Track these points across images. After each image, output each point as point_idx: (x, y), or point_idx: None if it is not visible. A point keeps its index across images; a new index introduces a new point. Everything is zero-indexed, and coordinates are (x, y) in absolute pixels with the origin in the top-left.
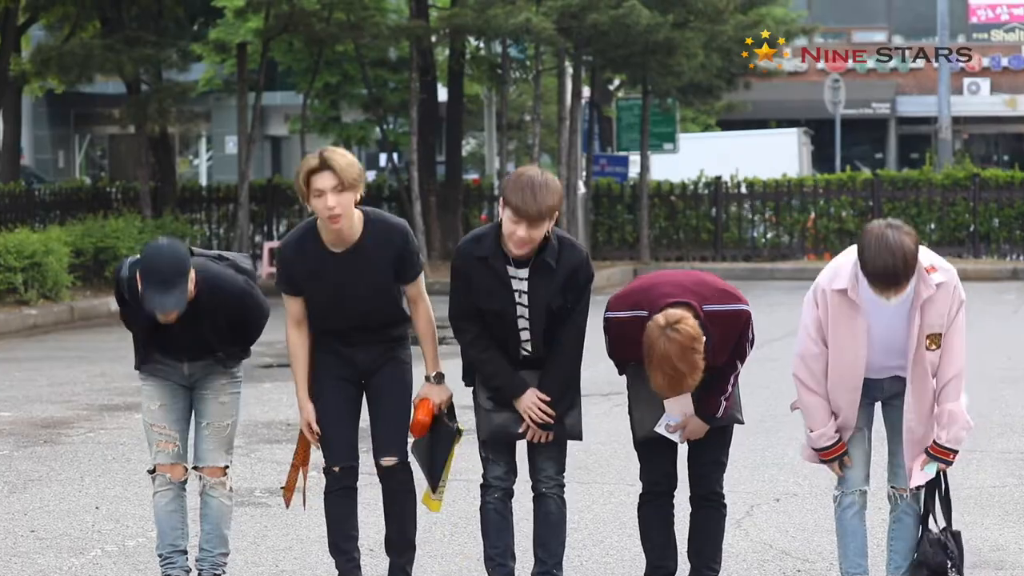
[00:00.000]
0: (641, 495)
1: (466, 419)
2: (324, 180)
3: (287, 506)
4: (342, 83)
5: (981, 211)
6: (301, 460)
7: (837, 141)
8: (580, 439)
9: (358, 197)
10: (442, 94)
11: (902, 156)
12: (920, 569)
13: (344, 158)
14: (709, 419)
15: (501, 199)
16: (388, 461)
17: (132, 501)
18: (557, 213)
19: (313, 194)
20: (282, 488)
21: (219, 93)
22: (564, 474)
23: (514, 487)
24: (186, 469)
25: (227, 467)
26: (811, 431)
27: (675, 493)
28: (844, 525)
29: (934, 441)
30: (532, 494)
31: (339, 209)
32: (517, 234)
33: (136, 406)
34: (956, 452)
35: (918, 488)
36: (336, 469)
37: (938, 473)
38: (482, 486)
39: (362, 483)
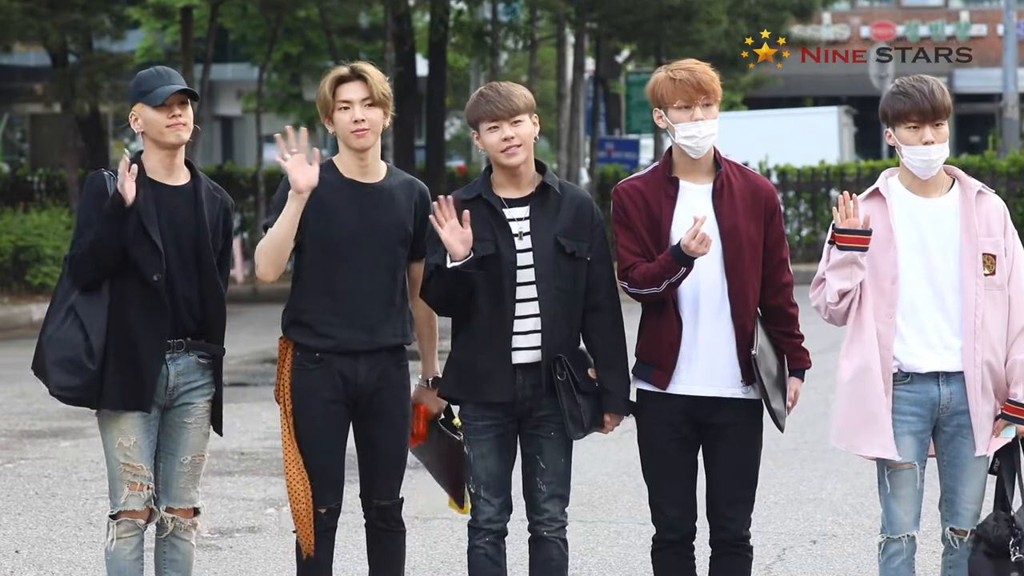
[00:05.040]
0: (654, 540)
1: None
2: (353, 91)
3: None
4: (304, 54)
5: None
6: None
7: None
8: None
9: (386, 122)
10: (422, 67)
11: (960, 139)
12: (978, 543)
13: (377, 72)
14: (800, 372)
15: (473, 132)
16: (386, 502)
17: (58, 543)
18: (536, 116)
19: (338, 106)
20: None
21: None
22: (567, 511)
23: (507, 524)
24: (152, 511)
25: (200, 506)
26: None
27: (695, 536)
28: (890, 575)
29: (1008, 400)
30: (528, 535)
31: (367, 124)
32: (503, 136)
33: (64, 432)
34: None
35: (996, 456)
36: (322, 511)
37: (1018, 446)
38: (471, 527)
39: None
